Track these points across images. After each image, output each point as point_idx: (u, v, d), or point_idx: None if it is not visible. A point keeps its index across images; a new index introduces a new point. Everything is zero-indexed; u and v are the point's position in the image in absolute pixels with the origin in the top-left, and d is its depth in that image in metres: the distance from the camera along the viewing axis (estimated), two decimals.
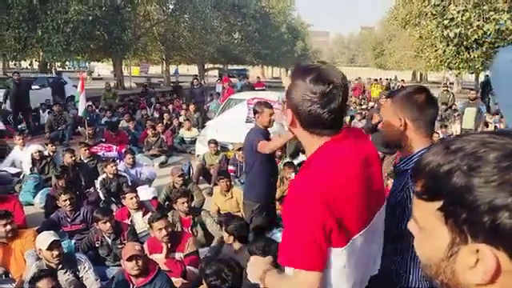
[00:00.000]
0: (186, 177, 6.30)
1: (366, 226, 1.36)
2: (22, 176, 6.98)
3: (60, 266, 3.58)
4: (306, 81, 1.30)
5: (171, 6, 27.38)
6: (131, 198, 4.91)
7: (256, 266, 1.59)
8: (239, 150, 6.49)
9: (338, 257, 1.29)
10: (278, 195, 5.18)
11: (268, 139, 4.17)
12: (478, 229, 0.62)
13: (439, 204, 0.67)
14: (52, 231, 3.85)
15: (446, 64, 16.96)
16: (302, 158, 7.71)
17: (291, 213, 1.29)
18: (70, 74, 24.72)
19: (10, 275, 4.01)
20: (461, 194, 0.63)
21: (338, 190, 1.26)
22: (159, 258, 3.75)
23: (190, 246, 3.88)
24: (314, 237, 1.24)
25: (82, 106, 9.60)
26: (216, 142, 7.55)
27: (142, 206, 5.02)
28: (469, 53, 15.15)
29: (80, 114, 9.83)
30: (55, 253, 3.54)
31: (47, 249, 3.51)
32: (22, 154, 7.31)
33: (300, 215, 1.25)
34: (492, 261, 0.62)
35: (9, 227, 3.90)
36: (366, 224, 1.37)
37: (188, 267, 3.81)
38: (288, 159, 7.30)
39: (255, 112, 4.27)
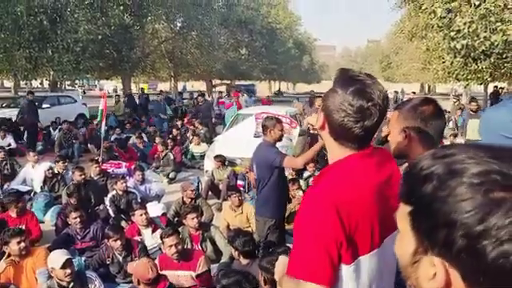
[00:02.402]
0: (196, 192, 6.30)
1: (375, 249, 1.31)
2: (32, 194, 7.02)
3: (71, 285, 3.57)
4: (346, 91, 1.26)
5: (179, 24, 27.73)
6: (141, 215, 4.92)
7: (281, 266, 1.57)
8: None
9: (344, 274, 1.25)
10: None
11: None
12: (434, 242, 0.61)
13: (410, 208, 0.66)
14: (64, 249, 3.86)
15: (453, 76, 16.89)
16: (308, 173, 7.67)
17: (304, 223, 1.26)
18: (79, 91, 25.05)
19: None
20: (426, 202, 0.62)
21: (352, 204, 1.23)
22: (171, 274, 3.72)
23: (202, 266, 3.84)
24: (328, 249, 1.20)
25: (103, 123, 9.30)
26: (222, 158, 7.55)
27: (151, 222, 5.02)
28: (477, 64, 15.09)
29: (102, 131, 9.30)
30: (68, 271, 3.53)
31: (61, 267, 3.51)
32: (34, 172, 7.37)
33: (313, 226, 1.22)
34: (442, 276, 0.60)
35: (23, 245, 3.91)
36: (376, 247, 1.31)
37: None
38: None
39: (265, 127, 4.25)
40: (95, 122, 10.54)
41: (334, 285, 1.23)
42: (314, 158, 4.12)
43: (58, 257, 3.60)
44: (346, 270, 1.24)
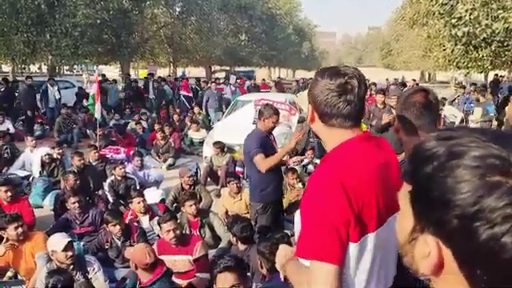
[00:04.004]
0: (194, 178, 6.31)
1: (380, 227, 1.35)
2: (31, 179, 7.03)
3: (71, 268, 3.60)
4: (324, 76, 1.40)
5: (178, 9, 27.49)
6: (138, 203, 4.93)
7: (282, 254, 1.58)
8: None
9: (350, 252, 1.28)
10: (285, 204, 5.13)
11: (268, 144, 4.16)
12: (429, 220, 0.63)
13: (410, 187, 0.68)
14: (63, 233, 3.88)
15: (454, 63, 16.86)
16: (306, 160, 7.68)
17: (312, 204, 1.29)
18: (79, 77, 24.94)
19: (19, 276, 4.05)
20: (426, 181, 0.63)
21: (357, 183, 1.28)
22: (168, 258, 3.75)
23: (199, 251, 3.86)
24: (337, 228, 1.24)
25: (98, 108, 9.31)
26: (221, 144, 7.54)
27: (149, 209, 5.04)
28: (477, 52, 15.03)
29: (97, 116, 9.45)
30: (69, 253, 3.57)
31: (62, 250, 3.53)
32: (32, 157, 7.37)
33: (322, 206, 1.26)
34: (435, 254, 0.62)
35: (20, 230, 3.93)
36: (381, 225, 1.35)
37: (197, 274, 3.81)
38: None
39: (261, 113, 4.22)
40: (85, 104, 10.38)
41: (343, 263, 1.27)
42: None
43: (60, 240, 3.62)
44: (354, 248, 1.29)
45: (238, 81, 20.81)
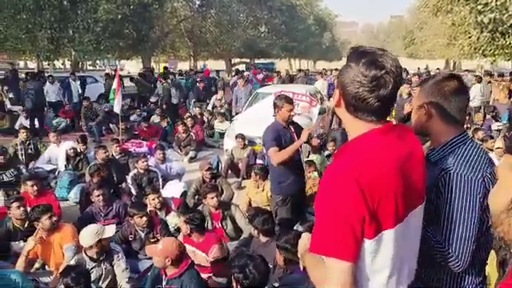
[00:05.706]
0: (215, 171, 6.33)
1: (399, 223, 1.29)
2: (56, 172, 7.20)
3: (103, 257, 3.70)
4: (358, 63, 1.28)
5: (198, 2, 27.58)
6: (153, 199, 4.99)
7: (303, 243, 1.56)
8: None
9: (366, 248, 1.24)
10: None
11: (286, 135, 4.11)
12: None
13: None
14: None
15: (480, 51, 16.40)
16: (328, 152, 7.62)
17: (325, 199, 1.25)
18: (102, 72, 25.31)
19: (47, 267, 4.16)
20: None
21: (374, 179, 1.22)
22: (189, 249, 3.78)
23: (214, 253, 3.85)
24: (350, 223, 1.20)
25: (118, 102, 9.29)
26: (243, 137, 7.55)
27: (164, 205, 5.11)
28: (504, 39, 14.58)
29: (116, 109, 9.41)
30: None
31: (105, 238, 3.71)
32: (57, 151, 7.53)
33: (335, 201, 1.21)
34: None
35: (54, 219, 4.05)
36: (400, 221, 1.30)
37: (213, 277, 3.82)
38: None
39: (275, 105, 4.20)
40: (110, 99, 10.54)
41: (357, 259, 1.24)
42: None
43: (111, 227, 3.88)
44: (369, 244, 1.24)
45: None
